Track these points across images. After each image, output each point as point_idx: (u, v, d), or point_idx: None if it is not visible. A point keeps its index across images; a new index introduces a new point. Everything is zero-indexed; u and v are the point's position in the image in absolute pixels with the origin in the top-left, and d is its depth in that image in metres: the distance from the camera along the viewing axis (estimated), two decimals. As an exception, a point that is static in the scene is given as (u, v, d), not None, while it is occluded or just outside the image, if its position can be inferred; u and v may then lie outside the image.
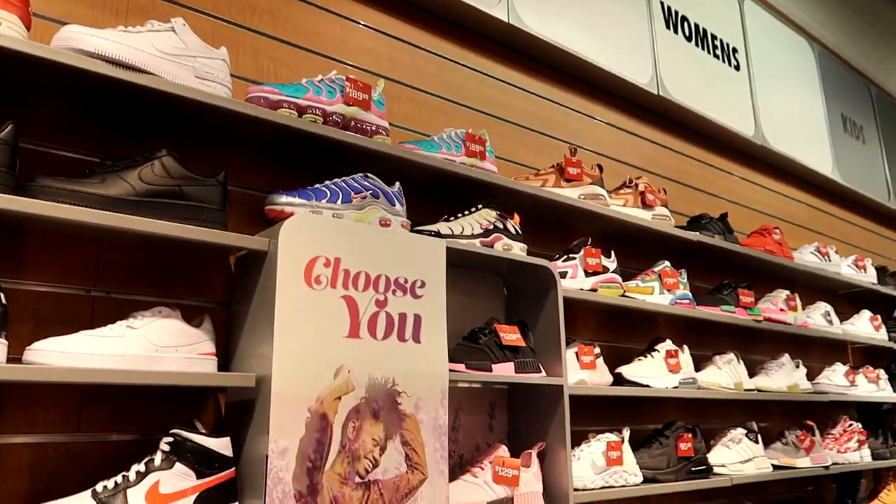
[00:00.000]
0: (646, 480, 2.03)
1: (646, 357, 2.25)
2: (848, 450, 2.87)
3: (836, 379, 2.97)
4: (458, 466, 1.81)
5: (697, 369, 2.46)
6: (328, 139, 1.55)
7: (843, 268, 3.27)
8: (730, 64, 3.19)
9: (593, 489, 1.87)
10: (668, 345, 2.28)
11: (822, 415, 3.20)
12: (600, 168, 2.21)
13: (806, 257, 3.06)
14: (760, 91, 3.32)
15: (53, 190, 1.20)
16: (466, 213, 1.84)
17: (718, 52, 3.14)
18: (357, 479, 1.37)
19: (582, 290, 2.02)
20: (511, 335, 1.76)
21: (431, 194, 1.97)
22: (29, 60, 1.20)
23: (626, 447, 2.00)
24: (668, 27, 2.89)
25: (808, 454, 2.63)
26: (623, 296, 2.16)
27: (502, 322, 1.95)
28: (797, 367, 2.81)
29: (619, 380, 2.14)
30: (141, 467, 1.22)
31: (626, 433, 2.04)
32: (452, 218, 1.82)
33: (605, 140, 2.63)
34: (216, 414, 1.49)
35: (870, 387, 3.16)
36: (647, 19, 2.79)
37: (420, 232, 1.72)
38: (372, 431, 1.41)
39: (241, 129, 1.54)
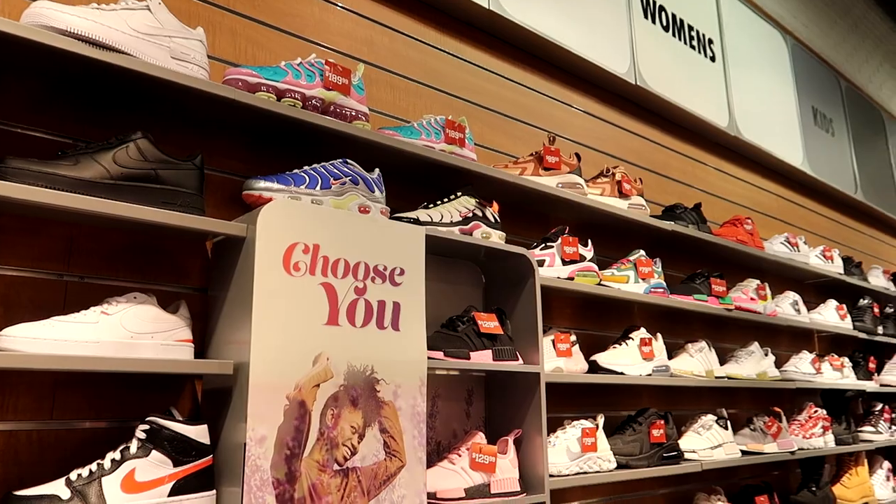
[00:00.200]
0: (619, 466, 2.06)
1: (620, 345, 2.27)
2: (813, 435, 2.94)
3: (802, 367, 3.03)
4: (436, 453, 1.81)
5: (670, 357, 2.50)
6: (307, 124, 1.53)
7: (812, 258, 3.33)
8: (705, 55, 3.22)
9: (568, 475, 1.89)
10: (642, 333, 2.31)
11: (788, 401, 3.28)
12: (578, 157, 2.22)
13: (776, 247, 3.11)
14: (734, 82, 3.35)
15: (25, 172, 1.17)
16: (446, 200, 1.84)
17: (695, 42, 3.17)
18: (335, 467, 1.36)
19: (559, 278, 2.03)
20: (489, 323, 1.77)
21: (411, 181, 1.96)
22: (-2, 37, 1.16)
23: (601, 434, 2.02)
24: (646, 17, 2.90)
25: (775, 440, 2.69)
26: (599, 284, 2.17)
27: (480, 310, 1.96)
28: (766, 354, 2.86)
29: (594, 367, 2.16)
30: (116, 455, 1.20)
31: (601, 420, 2.06)
32: (432, 205, 1.82)
33: (584, 129, 2.64)
34: (193, 401, 1.47)
35: (834, 374, 3.24)
36: (626, 9, 2.79)
37: (399, 219, 1.71)
38: (350, 419, 1.41)
39: (218, 112, 1.51)
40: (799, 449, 2.82)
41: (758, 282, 2.90)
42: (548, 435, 1.97)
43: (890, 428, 3.49)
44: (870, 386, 3.45)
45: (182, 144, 1.55)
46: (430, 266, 1.92)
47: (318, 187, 1.53)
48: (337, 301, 1.44)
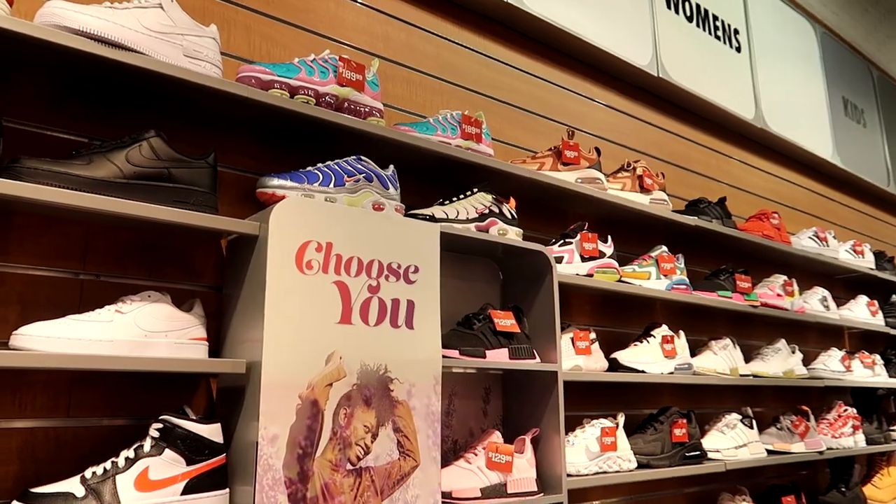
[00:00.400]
0: (640, 466, 2.03)
1: (642, 342, 2.23)
2: (842, 435, 2.87)
3: (831, 364, 2.96)
4: (452, 452, 1.80)
5: (693, 354, 2.45)
6: (320, 121, 1.52)
7: (841, 253, 3.25)
8: (731, 45, 3.15)
9: (587, 475, 1.87)
10: (664, 330, 2.27)
11: (817, 400, 3.21)
12: (598, 151, 2.18)
13: (804, 242, 3.04)
14: (761, 73, 3.28)
15: (39, 172, 1.17)
16: (461, 196, 1.82)
17: (720, 33, 3.10)
18: (348, 466, 1.35)
19: (578, 275, 2.00)
20: (505, 321, 1.75)
21: (426, 177, 1.94)
22: (11, 37, 1.16)
23: (621, 433, 1.99)
24: (668, 7, 2.84)
25: (802, 439, 2.63)
26: (619, 281, 2.14)
27: (497, 307, 1.94)
28: (793, 352, 2.80)
29: (614, 365, 2.12)
30: (130, 453, 1.21)
31: (621, 419, 2.03)
32: (447, 202, 1.80)
33: (604, 123, 2.60)
34: (208, 399, 1.48)
35: (865, 372, 3.16)
36: (649, 0, 2.74)
37: (414, 216, 1.69)
38: (363, 418, 1.40)
39: (232, 109, 1.51)
40: (828, 449, 2.76)
41: (784, 277, 2.83)
42: (566, 434, 1.96)
43: (923, 427, 3.40)
44: (902, 384, 3.36)
45: (195, 142, 1.55)
46: (447, 263, 1.91)
47: (331, 185, 1.52)
48: (350, 299, 1.43)
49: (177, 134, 1.53)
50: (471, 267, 1.98)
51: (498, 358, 1.69)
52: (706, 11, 3.05)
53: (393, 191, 1.64)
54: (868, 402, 3.26)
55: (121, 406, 1.37)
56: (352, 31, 1.92)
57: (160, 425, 1.23)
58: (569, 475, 1.83)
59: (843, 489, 2.88)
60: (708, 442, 2.34)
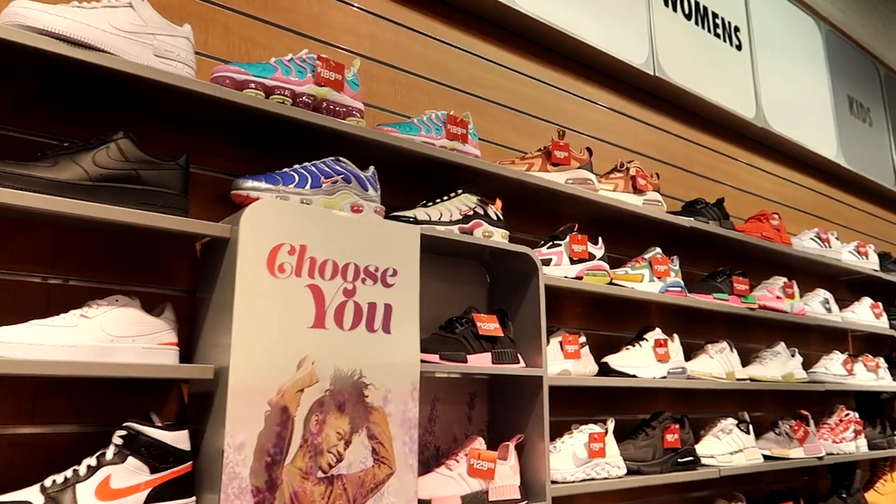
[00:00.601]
0: (630, 472, 1.99)
1: (634, 346, 2.19)
2: (843, 440, 2.81)
3: (833, 368, 2.91)
4: (435, 458, 1.77)
5: (689, 358, 2.41)
6: (296, 121, 1.49)
7: (844, 254, 3.19)
8: (731, 43, 3.09)
9: (573, 482, 1.83)
10: (657, 333, 2.23)
11: (819, 404, 3.15)
12: (589, 151, 2.14)
13: (805, 243, 2.98)
14: (763, 72, 3.22)
15: (1, 174, 1.15)
16: (445, 198, 1.79)
17: (719, 31, 3.05)
18: (319, 474, 1.33)
19: (567, 277, 1.97)
20: (489, 325, 1.71)
21: (410, 179, 1.91)
22: (-29, 38, 1.14)
23: (610, 438, 1.96)
24: (666, 4, 2.79)
25: (801, 444, 2.58)
26: (610, 283, 2.10)
27: (484, 311, 1.91)
28: (793, 355, 2.75)
29: (605, 369, 2.09)
30: (92, 461, 1.19)
31: (611, 424, 1.99)
32: (430, 203, 1.77)
33: (600, 123, 2.56)
34: (180, 405, 1.45)
35: (868, 375, 3.10)
36: (645, -4, 2.70)
37: (396, 218, 1.66)
38: (336, 425, 1.37)
39: (206, 110, 1.49)
40: (827, 454, 2.70)
41: (784, 279, 2.78)
42: (554, 440, 1.92)
43: (929, 432, 3.33)
44: (907, 388, 3.29)
45: (171, 144, 1.53)
46: (433, 266, 1.88)
47: (307, 186, 1.49)
48: (324, 303, 1.40)
49: (152, 136, 1.51)
50: (457, 270, 1.95)
51: (480, 363, 1.66)
52: (705, 9, 3.00)
53: (373, 192, 1.61)
54: (872, 407, 3.20)
55: (89, 412, 1.35)
56: (336, 30, 1.89)
57: (123, 432, 1.21)
58: (554, 482, 1.79)
59: (844, 495, 2.83)
60: (702, 448, 2.29)
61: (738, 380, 2.45)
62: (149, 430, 1.22)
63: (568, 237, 2.01)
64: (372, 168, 1.63)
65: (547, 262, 1.95)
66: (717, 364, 2.41)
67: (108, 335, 1.24)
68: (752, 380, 2.53)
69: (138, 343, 1.28)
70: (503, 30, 2.30)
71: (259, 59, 1.71)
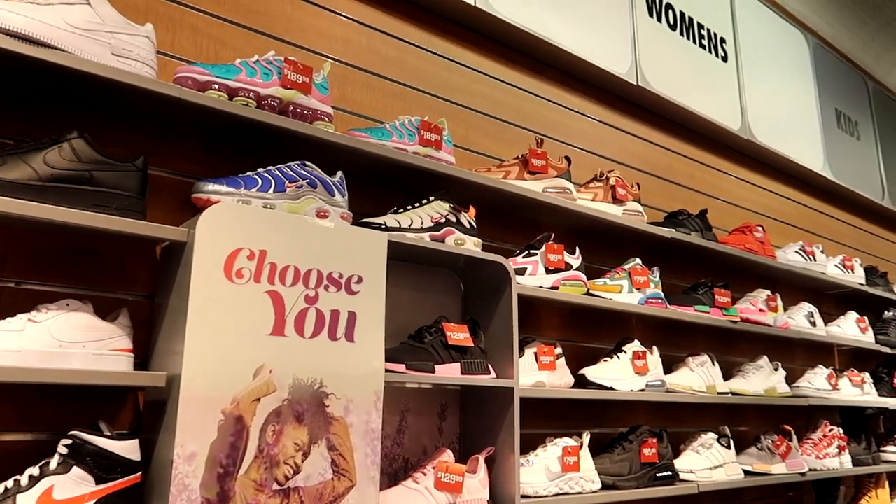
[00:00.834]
0: (605, 487, 1.95)
1: (612, 358, 2.16)
2: (827, 455, 2.78)
3: (817, 382, 2.87)
4: (403, 471, 1.73)
5: (669, 371, 2.37)
6: (259, 123, 1.46)
7: (830, 267, 3.16)
8: (717, 55, 3.08)
9: (545, 496, 1.79)
10: (635, 345, 2.19)
11: (803, 419, 3.11)
12: (568, 160, 2.12)
13: (790, 256, 2.95)
14: (749, 83, 3.21)
15: (-55, 173, 1.12)
16: (417, 205, 1.75)
17: (705, 42, 3.03)
18: (275, 486, 1.28)
19: (541, 287, 1.93)
20: (458, 334, 1.68)
21: (383, 185, 1.88)
22: (-85, 32, 1.11)
23: (585, 452, 1.92)
24: (650, 15, 2.78)
25: (783, 460, 2.54)
26: (587, 294, 2.07)
27: (457, 320, 1.87)
28: (776, 369, 2.71)
29: (582, 381, 2.05)
30: (35, 471, 1.15)
31: (586, 438, 1.96)
32: (402, 210, 1.73)
33: (581, 131, 2.53)
34: (135, 413, 1.41)
35: (853, 391, 3.07)
36: (629, 6, 2.68)
37: (366, 224, 1.63)
38: (294, 436, 1.33)
39: (170, 112, 1.46)
40: (810, 470, 2.66)
41: (768, 292, 2.75)
42: (527, 453, 1.88)
43: (915, 448, 3.30)
44: (892, 403, 3.25)
45: (135, 145, 1.50)
46: (406, 274, 1.85)
47: (271, 190, 1.46)
48: (284, 310, 1.36)
49: (115, 137, 1.48)
50: (431, 278, 1.91)
51: (448, 373, 1.62)
52: (691, 20, 2.98)
53: (339, 198, 1.57)
54: (857, 422, 3.16)
55: (39, 420, 1.30)
56: (309, 33, 1.86)
57: (69, 441, 1.17)
58: (525, 496, 1.75)
59: (828, 512, 2.79)
60: (681, 462, 2.25)
61: (719, 393, 2.41)
62: (95, 440, 1.18)
63: (544, 246, 1.98)
64: (340, 173, 1.60)
65: (522, 272, 1.92)
66: (698, 377, 2.37)
67: (57, 340, 1.20)
68: (733, 393, 2.50)
69: (89, 349, 1.24)
70: (482, 36, 2.28)
71: (228, 61, 1.68)
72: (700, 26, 3.03)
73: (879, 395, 3.22)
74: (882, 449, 3.19)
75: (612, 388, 2.06)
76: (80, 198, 1.24)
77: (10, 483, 1.13)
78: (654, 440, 2.12)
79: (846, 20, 4.41)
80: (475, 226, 1.81)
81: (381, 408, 1.46)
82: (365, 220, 1.65)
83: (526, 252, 1.98)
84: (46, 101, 1.40)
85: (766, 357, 2.70)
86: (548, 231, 2.17)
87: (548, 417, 2.14)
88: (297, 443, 1.33)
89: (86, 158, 1.26)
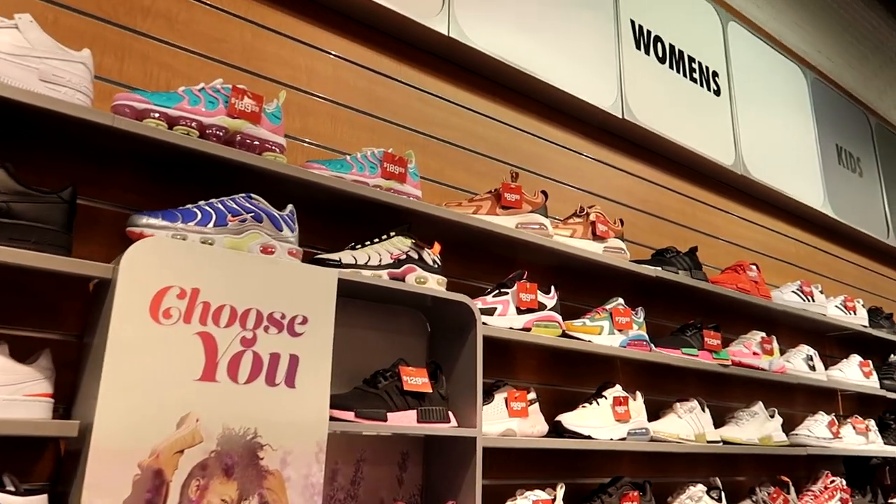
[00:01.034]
0: (580, 545, 1.82)
1: (591, 404, 2.03)
2: (829, 509, 2.62)
3: (817, 430, 2.72)
4: (356, 526, 1.61)
5: (655, 417, 2.25)
6: (199, 153, 1.38)
7: (830, 308, 3.03)
8: (708, 88, 3.00)
9: (511, 556, 1.66)
10: (616, 390, 2.07)
11: (804, 469, 2.95)
12: (545, 194, 2.02)
13: (787, 296, 2.83)
14: (743, 118, 3.12)
15: None
16: (376, 240, 1.66)
17: (696, 75, 2.96)
18: (196, 548, 1.17)
19: (512, 328, 1.83)
20: (416, 379, 1.57)
21: (343, 220, 1.79)
22: None
23: (558, 506, 1.79)
24: (638, 47, 2.71)
25: (780, 514, 2.39)
26: (563, 336, 1.96)
27: (422, 363, 1.77)
28: (772, 416, 2.57)
29: (558, 429, 1.93)
30: (-76, 530, 1.04)
31: (560, 490, 1.83)
32: (359, 246, 1.64)
33: (563, 165, 2.45)
34: (56, 464, 1.31)
35: (857, 439, 2.91)
36: (614, 38, 2.61)
37: (321, 261, 1.54)
38: (221, 491, 1.22)
39: (110, 141, 1.38)
40: (810, 525, 2.51)
41: (763, 334, 2.62)
42: (494, 507, 1.76)
43: (925, 501, 3.12)
44: (900, 453, 3.09)
45: (74, 176, 1.42)
46: (368, 313, 1.76)
47: (210, 224, 1.37)
48: (216, 353, 1.27)
49: (52, 167, 1.40)
50: (396, 318, 1.82)
51: (402, 421, 1.51)
52: (681, 53, 2.91)
53: (288, 233, 1.49)
54: (861, 473, 3.00)
55: (-54, 470, 1.20)
56: (270, 62, 1.80)
57: (-38, 497, 1.07)
58: (489, 556, 1.62)
59: (831, 571, 2.61)
60: (667, 517, 2.11)
61: (709, 442, 2.27)
62: (-8, 496, 1.08)
63: (516, 285, 1.88)
64: (290, 207, 1.51)
65: (490, 312, 1.82)
66: (686, 425, 2.24)
67: (-39, 385, 1.10)
68: (725, 442, 2.36)
69: (0, 394, 1.14)
70: (458, 67, 2.21)
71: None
72: (691, 59, 2.96)
73: (886, 444, 3.06)
74: (889, 502, 3.01)
75: (589, 437, 1.93)
76: (-6, 231, 1.16)
77: None
78: (637, 493, 1.98)
79: (847, 56, 4.34)
80: (439, 263, 1.72)
81: (324, 460, 1.35)
82: (319, 256, 1.56)
83: (497, 291, 1.88)
84: (-25, 129, 1.33)
85: (761, 403, 2.56)
86: (524, 269, 2.08)
87: (520, 467, 2.01)
88: (225, 499, 1.22)
89: (3, 189, 1.19)
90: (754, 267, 2.69)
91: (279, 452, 1.30)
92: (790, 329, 3.11)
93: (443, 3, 2.06)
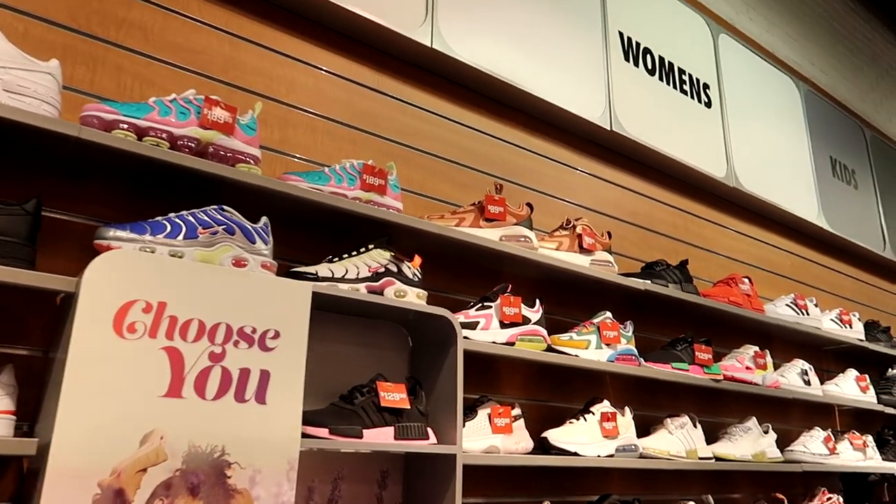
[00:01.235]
0: (566, 565, 1.77)
1: (578, 420, 1.99)
2: (825, 527, 2.56)
3: (812, 446, 2.67)
4: (333, 546, 1.57)
5: (646, 433, 2.20)
6: (168, 164, 1.36)
7: (825, 322, 2.99)
8: (699, 100, 2.98)
9: (493, 577, 1.61)
10: (604, 406, 2.03)
11: (801, 485, 2.90)
12: (530, 206, 2.00)
13: (780, 310, 2.79)
14: (734, 130, 3.10)
15: None
16: (354, 253, 1.63)
17: (686, 87, 2.94)
18: (157, 571, 1.13)
19: (495, 343, 1.79)
20: (394, 395, 1.53)
21: (322, 233, 1.77)
22: None
23: (543, 526, 1.74)
24: (626, 59, 2.69)
25: (775, 533, 2.34)
26: (549, 350, 1.92)
27: (402, 378, 1.73)
28: (765, 432, 2.53)
29: (545, 446, 1.89)
30: None
31: (545, 509, 1.79)
32: (337, 259, 1.61)
33: (550, 177, 2.42)
34: (18, 483, 1.27)
35: (855, 455, 2.86)
36: (602, 50, 2.59)
37: (297, 274, 1.51)
38: (185, 511, 1.18)
39: (80, 152, 1.35)
40: (806, 544, 2.45)
41: (756, 348, 2.58)
42: (476, 526, 1.71)
43: (926, 518, 3.06)
44: (899, 469, 3.04)
45: (43, 188, 1.40)
46: (350, 328, 1.73)
47: (180, 237, 1.35)
48: (182, 369, 1.23)
49: (20, 179, 1.38)
50: (377, 333, 1.78)
51: (378, 438, 1.47)
52: (671, 65, 2.90)
53: (262, 245, 1.46)
54: (859, 489, 2.94)
55: None
56: (249, 73, 1.78)
57: (-88, 519, 1.03)
58: (470, 577, 1.58)
59: (829, 591, 2.55)
60: (657, 536, 2.06)
61: (701, 458, 2.23)
62: (-57, 517, 1.04)
63: (499, 299, 1.85)
64: (264, 219, 1.49)
65: (472, 326, 1.78)
66: (677, 441, 2.19)
67: (-85, 402, 1.07)
68: (717, 458, 2.31)
69: (-43, 411, 1.11)
70: (442, 79, 2.19)
71: (153, 102, 1.59)
72: (681, 71, 2.94)
73: (884, 460, 3.00)
74: (888, 519, 2.96)
75: (576, 454, 1.89)
76: (-48, 244, 1.13)
77: None
78: (625, 511, 1.94)
79: (842, 68, 4.33)
80: (420, 276, 1.68)
81: (295, 478, 1.31)
82: (295, 269, 1.53)
83: (479, 304, 1.85)
84: (-60, 141, 1.31)
85: (754, 418, 2.51)
86: (510, 282, 2.04)
87: (505, 485, 1.97)
88: (189, 519, 1.18)
89: (-36, 201, 1.16)
90: (747, 280, 2.65)
91: (248, 471, 1.26)
92: (784, 343, 3.07)
93: (426, 14, 2.05)
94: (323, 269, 1.56)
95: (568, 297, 2.29)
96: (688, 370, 2.26)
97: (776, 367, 2.76)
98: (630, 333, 2.15)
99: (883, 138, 4.40)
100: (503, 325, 1.83)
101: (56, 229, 1.40)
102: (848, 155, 3.90)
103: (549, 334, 1.97)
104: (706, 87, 3.05)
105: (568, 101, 2.38)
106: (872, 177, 4.06)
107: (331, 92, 1.92)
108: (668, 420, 2.25)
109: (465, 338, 1.69)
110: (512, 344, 1.83)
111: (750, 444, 2.44)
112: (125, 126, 1.34)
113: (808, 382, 2.77)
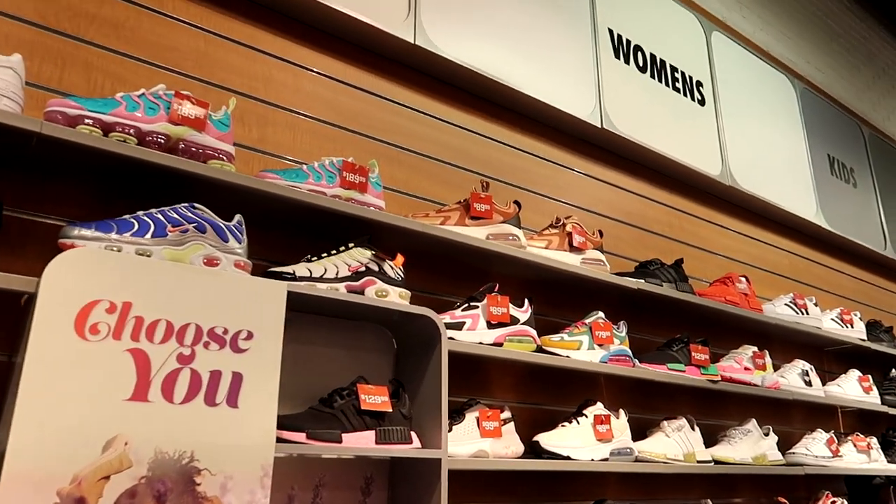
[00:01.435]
0: (559, 573, 1.71)
1: (571, 423, 1.94)
2: (830, 532, 2.49)
3: (815, 449, 2.61)
4: (314, 556, 1.51)
5: (642, 436, 2.14)
6: (135, 161, 1.31)
7: (825, 321, 2.93)
8: (692, 98, 2.94)
9: (482, 586, 1.55)
10: (598, 409, 1.97)
11: (804, 489, 2.83)
12: (518, 205, 1.95)
13: (779, 309, 2.73)
14: (729, 128, 3.05)
15: None
16: (334, 252, 1.58)
17: (679, 84, 2.89)
18: (120, 584, 1.08)
19: (482, 343, 1.74)
20: (375, 398, 1.48)
21: (301, 232, 1.72)
22: None
23: (534, 533, 1.68)
24: (617, 56, 2.65)
25: (777, 538, 2.27)
26: (538, 351, 1.87)
27: (386, 381, 1.68)
28: (766, 434, 2.46)
29: (537, 449, 1.83)
30: None
31: (537, 515, 1.72)
32: (315, 258, 1.56)
33: (540, 176, 2.37)
34: (-21, 492, 1.22)
35: (859, 457, 2.79)
36: (591, 47, 2.55)
37: (275, 274, 1.46)
38: (151, 520, 1.13)
39: (44, 149, 1.31)
40: (810, 549, 2.38)
41: (754, 349, 2.53)
42: (464, 534, 1.65)
43: (933, 521, 2.98)
44: (904, 471, 2.96)
45: (9, 188, 1.36)
46: (332, 330, 1.68)
47: (148, 235, 1.30)
48: (149, 371, 1.18)
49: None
50: (360, 334, 1.73)
51: (358, 443, 1.42)
52: (663, 62, 2.85)
53: (235, 244, 1.41)
54: (864, 492, 2.87)
55: None
56: (226, 71, 1.74)
57: None
58: (457, 587, 1.52)
59: None
60: (654, 542, 2.00)
61: (699, 462, 2.16)
62: None
63: (486, 298, 1.80)
64: (238, 217, 1.44)
65: (458, 327, 1.73)
66: (674, 444, 2.13)
67: None
68: (716, 462, 2.25)
69: None
70: (427, 76, 2.14)
71: (125, 99, 1.55)
72: (674, 69, 2.90)
73: (889, 462, 2.94)
74: (895, 522, 2.88)
75: (569, 458, 1.83)
76: None
77: None
78: (620, 517, 1.87)
79: (838, 66, 4.29)
80: (402, 275, 1.63)
81: (270, 485, 1.26)
82: (272, 269, 1.49)
83: (466, 304, 1.79)
84: None
85: (754, 420, 2.45)
86: (499, 281, 1.99)
87: (495, 491, 1.91)
88: (155, 529, 1.13)
89: (-83, 198, 1.11)
90: (744, 279, 2.60)
91: (218, 477, 1.21)
92: (784, 343, 3.01)
93: (408, 10, 2.01)
94: (301, 269, 1.51)
95: (559, 298, 2.24)
96: (684, 371, 2.20)
97: (776, 368, 2.70)
98: (623, 334, 2.10)
99: (881, 136, 4.35)
100: (490, 326, 1.78)
101: (19, 229, 1.35)
102: (846, 153, 3.86)
103: (540, 335, 1.91)
104: (699, 84, 3.00)
105: (556, 98, 2.34)
106: (872, 175, 4.01)
107: (311, 89, 1.88)
108: (665, 423, 2.19)
109: (450, 338, 1.64)
110: (500, 345, 1.78)
111: (750, 446, 2.38)
112: (90, 121, 1.29)
113: (809, 383, 2.71)
